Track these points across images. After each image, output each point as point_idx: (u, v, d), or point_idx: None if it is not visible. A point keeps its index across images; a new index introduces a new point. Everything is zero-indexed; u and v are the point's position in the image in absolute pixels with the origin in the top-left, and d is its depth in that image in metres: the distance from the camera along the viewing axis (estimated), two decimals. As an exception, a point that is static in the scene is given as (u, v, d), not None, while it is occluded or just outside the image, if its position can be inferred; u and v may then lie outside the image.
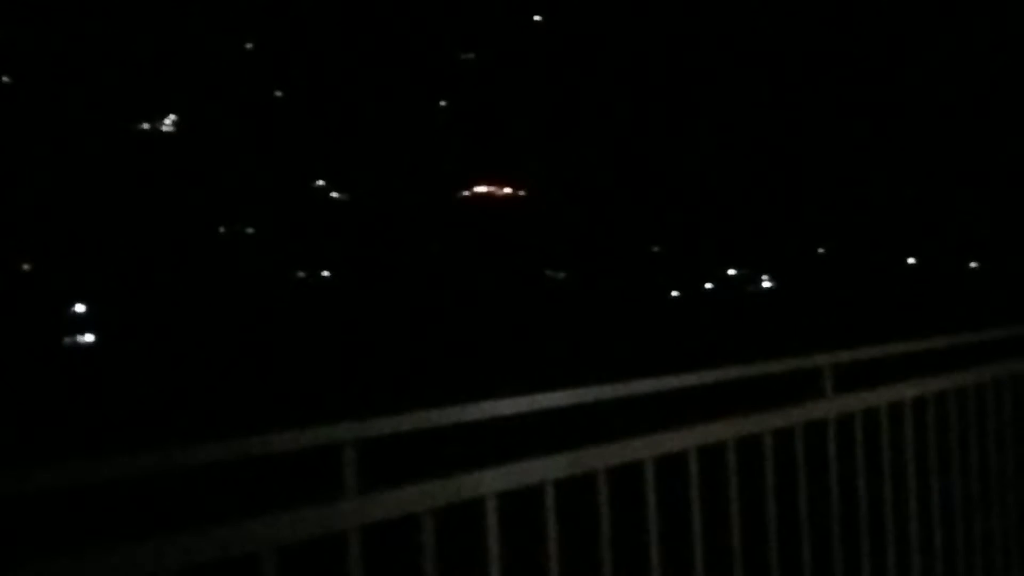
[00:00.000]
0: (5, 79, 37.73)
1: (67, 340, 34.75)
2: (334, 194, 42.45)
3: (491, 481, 2.09)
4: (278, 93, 42.35)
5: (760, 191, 46.50)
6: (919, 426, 3.18)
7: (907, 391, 3.14)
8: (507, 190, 45.50)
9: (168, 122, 40.04)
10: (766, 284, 47.41)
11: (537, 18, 47.42)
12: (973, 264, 46.78)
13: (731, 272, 47.13)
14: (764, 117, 46.79)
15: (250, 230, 39.74)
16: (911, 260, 48.10)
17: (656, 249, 46.19)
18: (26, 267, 35.64)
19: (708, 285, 46.43)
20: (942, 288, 38.35)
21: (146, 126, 39.52)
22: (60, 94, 37.54)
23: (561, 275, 44.43)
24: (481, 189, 45.17)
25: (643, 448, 2.32)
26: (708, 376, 3.63)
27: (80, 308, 35.62)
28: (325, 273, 40.62)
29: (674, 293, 45.42)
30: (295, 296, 38.11)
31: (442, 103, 45.56)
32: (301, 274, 40.25)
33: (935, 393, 3.26)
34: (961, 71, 45.62)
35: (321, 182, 42.38)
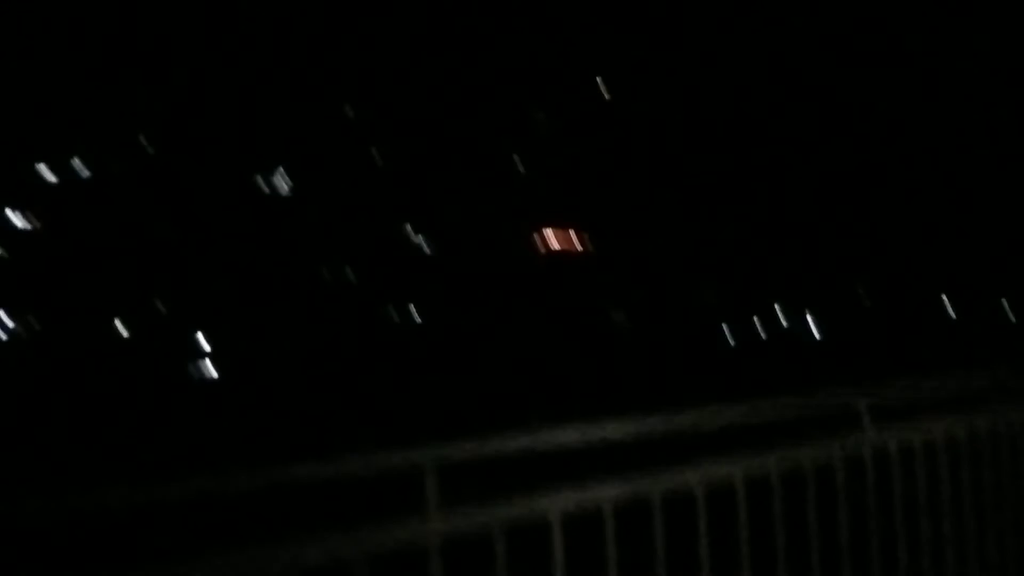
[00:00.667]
0: (146, 146, 39.42)
1: (192, 370, 35.77)
2: (421, 243, 43.18)
3: (558, 502, 2.10)
4: (375, 154, 43.41)
5: (810, 234, 45.65)
6: (953, 463, 3.07)
7: (941, 428, 3.04)
8: (573, 236, 45.56)
9: (284, 184, 41.48)
10: (811, 322, 46.35)
11: (599, 81, 47.63)
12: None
13: (778, 309, 46.22)
14: (823, 174, 46.07)
15: (350, 274, 40.63)
16: (945, 298, 46.50)
17: (711, 290, 45.64)
18: (160, 307, 36.91)
19: (757, 321, 45.61)
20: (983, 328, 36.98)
21: (262, 182, 40.99)
22: (195, 155, 39.12)
23: (622, 317, 44.19)
24: (548, 232, 45.30)
25: (695, 476, 2.30)
26: (754, 412, 3.57)
27: (203, 342, 36.67)
28: (413, 311, 41.20)
29: (726, 332, 44.74)
30: (387, 334, 38.75)
31: (516, 158, 46.00)
32: (394, 315, 40.90)
33: (973, 432, 3.14)
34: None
35: (409, 228, 43.17)
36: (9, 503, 1.71)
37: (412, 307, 41.25)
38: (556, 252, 44.60)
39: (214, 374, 35.80)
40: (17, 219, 37.00)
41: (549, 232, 44.80)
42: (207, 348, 36.47)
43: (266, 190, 40.82)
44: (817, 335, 45.54)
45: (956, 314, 44.84)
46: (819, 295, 46.02)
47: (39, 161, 37.91)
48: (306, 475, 2.58)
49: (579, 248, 45.05)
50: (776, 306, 46.03)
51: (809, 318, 46.20)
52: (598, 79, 46.82)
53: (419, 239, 42.79)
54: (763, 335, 45.04)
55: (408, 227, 42.59)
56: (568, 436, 3.02)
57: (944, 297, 45.93)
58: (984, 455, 3.20)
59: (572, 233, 45.05)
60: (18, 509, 1.71)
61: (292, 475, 2.44)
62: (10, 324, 34.21)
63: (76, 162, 38.46)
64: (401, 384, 25.44)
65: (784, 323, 45.79)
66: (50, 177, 37.95)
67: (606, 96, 47.00)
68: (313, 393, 23.57)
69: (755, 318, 45.28)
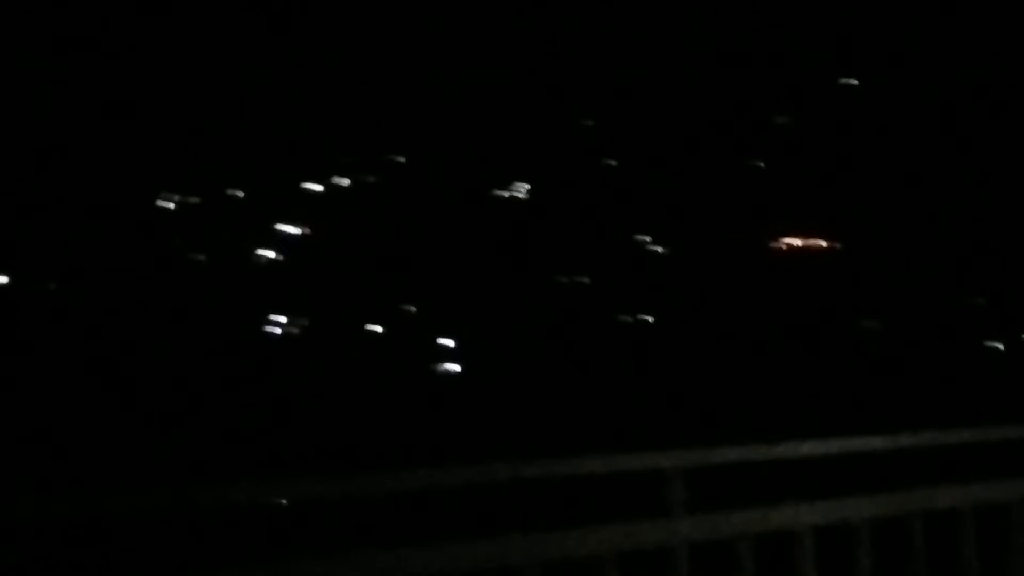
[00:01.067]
0: (397, 158, 42.36)
1: (438, 368, 37.89)
2: (658, 248, 42.86)
3: (807, 515, 2.07)
4: (612, 162, 43.72)
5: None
6: None
7: None
8: (822, 243, 43.31)
9: (522, 190, 42.85)
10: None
11: (853, 81, 45.00)
12: None
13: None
14: None
15: (585, 279, 41.19)
16: None
17: (979, 300, 41.60)
18: (412, 308, 39.46)
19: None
20: None
21: (505, 193, 42.60)
22: (437, 167, 41.50)
23: (877, 324, 41.35)
24: (794, 242, 43.36)
25: (958, 497, 2.18)
26: (1013, 431, 3.29)
27: (449, 343, 38.75)
28: (648, 318, 40.99)
29: (997, 344, 40.50)
30: (618, 336, 38.89)
31: (760, 163, 44.53)
32: (627, 318, 40.93)
33: None
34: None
35: (645, 237, 42.96)
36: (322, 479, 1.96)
37: (649, 314, 41.09)
38: (801, 250, 42.65)
39: (457, 369, 37.72)
40: (290, 228, 41.02)
41: (794, 240, 42.97)
42: (451, 347, 38.49)
43: (505, 196, 42.41)
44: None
45: None
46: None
47: (305, 177, 41.77)
48: (553, 472, 2.72)
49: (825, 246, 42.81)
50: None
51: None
52: (845, 79, 44.31)
53: (656, 247, 42.58)
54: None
55: (645, 236, 42.52)
56: (816, 449, 2.95)
57: None
58: None
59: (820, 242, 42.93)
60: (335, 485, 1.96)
61: (546, 470, 2.59)
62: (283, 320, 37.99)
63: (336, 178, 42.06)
64: (644, 388, 25.46)
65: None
66: (316, 187, 41.74)
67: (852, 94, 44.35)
68: (556, 396, 24.20)
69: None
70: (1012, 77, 41.85)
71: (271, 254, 39.43)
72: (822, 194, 42.81)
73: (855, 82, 44.64)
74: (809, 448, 2.74)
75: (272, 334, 36.95)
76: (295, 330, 37.59)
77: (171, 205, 39.58)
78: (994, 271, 40.52)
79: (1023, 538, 2.01)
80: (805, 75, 44.11)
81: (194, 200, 39.88)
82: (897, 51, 43.40)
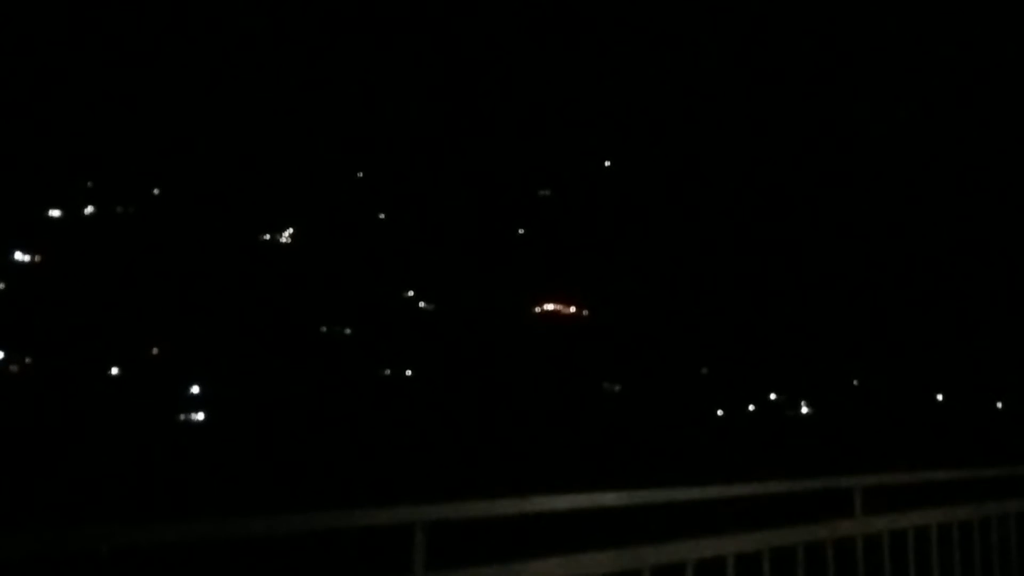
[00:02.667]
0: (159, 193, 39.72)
1: (182, 417, 35.38)
2: (421, 304, 43.14)
3: (547, 570, 2.05)
4: (381, 216, 43.74)
5: (804, 324, 45.74)
6: (944, 551, 3.02)
7: (933, 517, 3.00)
8: (572, 309, 45.64)
9: (286, 235, 41.59)
10: (804, 410, 46.09)
11: (607, 164, 48.41)
12: (999, 404, 44.85)
13: (772, 397, 46.01)
14: (813, 257, 46.40)
15: (347, 331, 40.50)
16: (939, 396, 46.39)
17: (705, 371, 45.47)
18: (155, 351, 36.70)
19: (751, 407, 45.34)
20: (968, 424, 36.74)
21: (267, 237, 41.14)
22: (200, 213, 39.41)
23: (617, 388, 43.93)
24: (549, 307, 45.40)
25: (686, 551, 2.26)
26: (747, 488, 3.53)
27: (195, 389, 36.37)
28: (407, 372, 40.95)
29: (719, 412, 44.42)
30: (379, 390, 38.43)
31: (520, 231, 46.40)
32: (387, 371, 40.64)
33: (961, 521, 3.11)
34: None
35: (411, 293, 43.15)
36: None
37: (408, 368, 41.04)
38: (551, 315, 44.63)
39: (201, 417, 35.44)
40: (21, 255, 37.08)
41: (549, 305, 44.94)
42: (197, 393, 36.17)
43: (268, 239, 41.03)
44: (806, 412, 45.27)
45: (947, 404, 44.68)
46: (812, 379, 45.86)
47: (50, 204, 38.16)
48: (290, 527, 2.54)
49: (573, 312, 45.11)
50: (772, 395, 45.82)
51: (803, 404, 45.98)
52: (604, 160, 47.63)
53: (419, 301, 42.82)
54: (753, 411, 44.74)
55: (411, 292, 42.67)
56: (560, 503, 2.98)
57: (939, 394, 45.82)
58: (974, 544, 3.15)
59: (572, 308, 45.18)
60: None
61: (276, 527, 2.40)
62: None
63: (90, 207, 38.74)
64: (394, 441, 25.17)
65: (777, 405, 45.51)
66: (55, 213, 38.21)
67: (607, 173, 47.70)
68: (302, 443, 23.29)
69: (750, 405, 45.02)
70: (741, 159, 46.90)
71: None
72: (576, 264, 45.44)
73: (608, 163, 48.14)
74: (553, 503, 2.77)
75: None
76: (13, 367, 33.58)
77: None
78: (726, 343, 44.69)
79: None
80: (567, 155, 47.03)
81: None
82: (643, 134, 47.43)
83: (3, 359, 33.56)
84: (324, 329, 40.01)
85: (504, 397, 38.82)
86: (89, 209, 38.75)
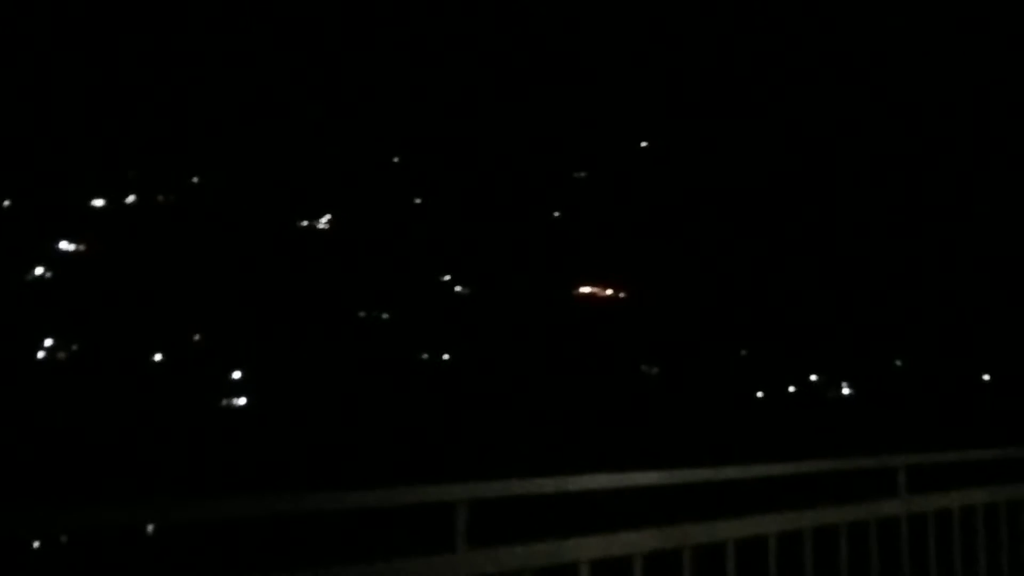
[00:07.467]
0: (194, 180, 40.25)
1: (224, 402, 35.95)
2: (457, 288, 43.28)
3: (588, 548, 2.07)
4: (417, 200, 43.88)
5: (846, 304, 45.14)
6: (990, 531, 2.99)
7: (979, 497, 2.97)
8: (609, 292, 45.48)
9: (323, 221, 41.95)
10: (845, 391, 45.55)
11: (643, 144, 48.02)
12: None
13: (813, 378, 45.52)
14: (858, 239, 45.71)
15: (385, 315, 40.78)
16: (985, 377, 45.54)
17: (744, 353, 45.10)
18: (196, 337, 37.28)
19: (791, 389, 44.90)
20: (1017, 405, 36.05)
21: (305, 223, 41.52)
22: (238, 201, 39.89)
23: (655, 370, 43.75)
24: (586, 290, 45.29)
25: (728, 530, 2.26)
26: (788, 468, 3.52)
27: (236, 375, 36.93)
28: (445, 356, 41.15)
29: (759, 394, 44.04)
30: (417, 374, 38.69)
31: (556, 214, 46.28)
32: (424, 356, 40.87)
33: (1009, 500, 3.07)
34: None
35: (447, 277, 43.31)
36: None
37: (445, 352, 41.24)
38: (588, 297, 44.52)
39: (243, 402, 35.99)
40: (66, 245, 37.84)
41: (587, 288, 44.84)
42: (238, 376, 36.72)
43: (305, 226, 41.39)
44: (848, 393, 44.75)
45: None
46: (854, 360, 45.28)
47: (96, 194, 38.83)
48: (334, 505, 2.58)
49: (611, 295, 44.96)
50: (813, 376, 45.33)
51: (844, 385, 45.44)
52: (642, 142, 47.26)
53: (457, 287, 42.95)
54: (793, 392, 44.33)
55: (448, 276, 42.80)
56: (601, 482, 3.00)
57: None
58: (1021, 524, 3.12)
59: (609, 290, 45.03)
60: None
61: (318, 503, 2.44)
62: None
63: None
64: (431, 424, 25.37)
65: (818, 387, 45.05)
66: (99, 203, 38.89)
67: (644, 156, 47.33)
68: (342, 426, 23.58)
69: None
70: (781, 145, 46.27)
71: (39, 271, 35.99)
72: (613, 246, 45.23)
73: (644, 144, 47.73)
74: (594, 482, 2.78)
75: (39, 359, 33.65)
76: (61, 355, 34.34)
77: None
78: (759, 326, 44.29)
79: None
80: (603, 137, 46.73)
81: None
82: (681, 114, 46.95)
83: (52, 346, 34.36)
84: (362, 314, 40.33)
85: (541, 380, 38.87)
86: (131, 198, 39.38)
